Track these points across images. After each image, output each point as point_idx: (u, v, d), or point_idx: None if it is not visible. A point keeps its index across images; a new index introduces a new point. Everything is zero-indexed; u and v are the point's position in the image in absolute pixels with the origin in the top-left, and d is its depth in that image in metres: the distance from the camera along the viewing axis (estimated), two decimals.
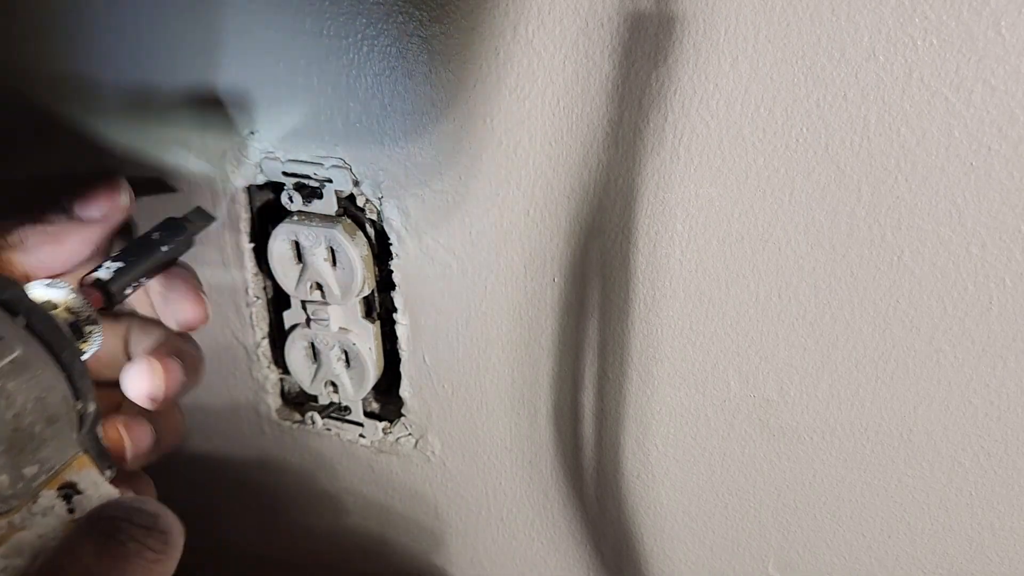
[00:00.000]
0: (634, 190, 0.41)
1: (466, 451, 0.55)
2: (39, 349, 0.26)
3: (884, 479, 0.45)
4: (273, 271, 0.50)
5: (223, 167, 0.49)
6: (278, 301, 0.54)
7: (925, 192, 0.37)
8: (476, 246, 0.46)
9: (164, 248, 0.39)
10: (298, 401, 0.58)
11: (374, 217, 0.48)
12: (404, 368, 0.53)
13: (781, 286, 0.41)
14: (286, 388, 0.58)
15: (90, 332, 0.31)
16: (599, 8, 0.37)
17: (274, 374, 0.57)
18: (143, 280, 0.37)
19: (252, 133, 0.47)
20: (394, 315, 0.51)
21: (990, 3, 0.32)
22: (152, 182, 0.52)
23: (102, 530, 0.21)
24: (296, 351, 0.53)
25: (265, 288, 0.54)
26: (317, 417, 0.55)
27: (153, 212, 0.52)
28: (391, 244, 0.48)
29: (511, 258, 0.46)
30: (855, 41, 0.35)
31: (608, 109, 0.39)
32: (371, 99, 0.44)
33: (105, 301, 0.34)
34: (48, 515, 0.25)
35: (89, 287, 0.33)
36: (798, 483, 0.47)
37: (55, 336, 0.27)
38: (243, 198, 0.50)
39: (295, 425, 0.58)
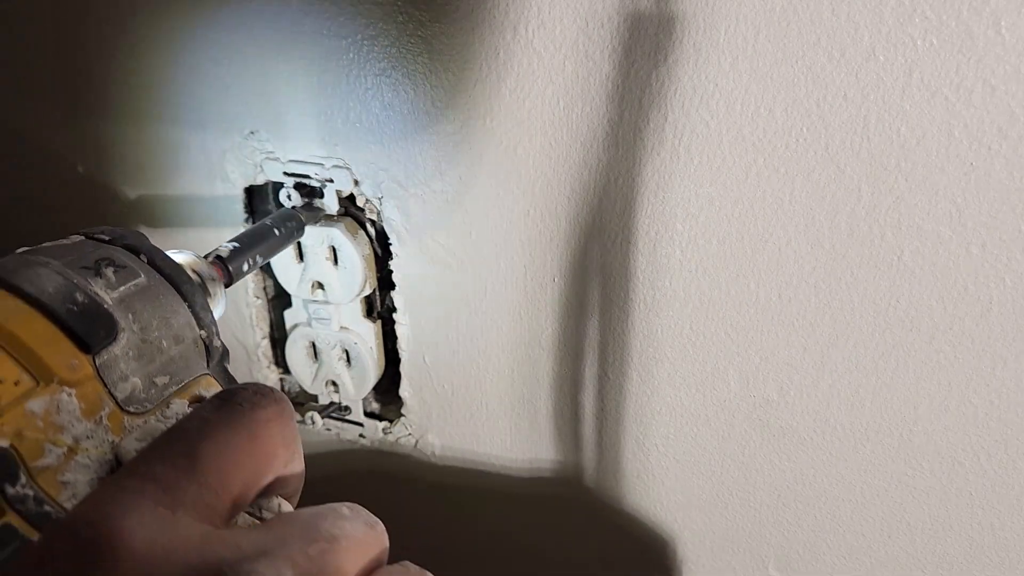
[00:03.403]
0: (634, 190, 0.41)
1: (466, 451, 0.55)
2: (162, 280, 0.29)
3: (884, 479, 0.45)
4: (274, 270, 0.50)
5: (223, 167, 0.49)
6: (278, 301, 0.54)
7: (925, 192, 0.37)
8: (476, 246, 0.46)
9: (277, 233, 0.42)
10: (298, 401, 0.58)
11: (374, 217, 0.48)
12: (404, 368, 0.53)
13: (781, 286, 0.41)
14: (286, 388, 0.58)
15: (214, 293, 0.34)
16: (599, 8, 0.37)
17: (274, 374, 0.57)
18: (259, 260, 0.40)
19: (252, 133, 0.47)
20: (394, 315, 0.51)
21: (990, 3, 0.32)
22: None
23: (218, 396, 0.23)
24: (297, 350, 0.53)
25: (265, 288, 0.54)
26: (317, 417, 0.55)
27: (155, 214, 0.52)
28: (391, 244, 0.48)
29: (511, 258, 0.46)
30: (855, 41, 0.35)
31: (608, 109, 0.39)
32: (371, 99, 0.44)
33: (225, 276, 0.36)
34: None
35: (213, 262, 0.36)
36: (798, 483, 0.47)
37: (176, 272, 0.29)
38: (243, 198, 0.50)
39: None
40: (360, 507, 0.23)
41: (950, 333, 0.39)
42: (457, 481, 0.56)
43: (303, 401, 0.58)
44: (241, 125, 0.47)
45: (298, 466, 0.25)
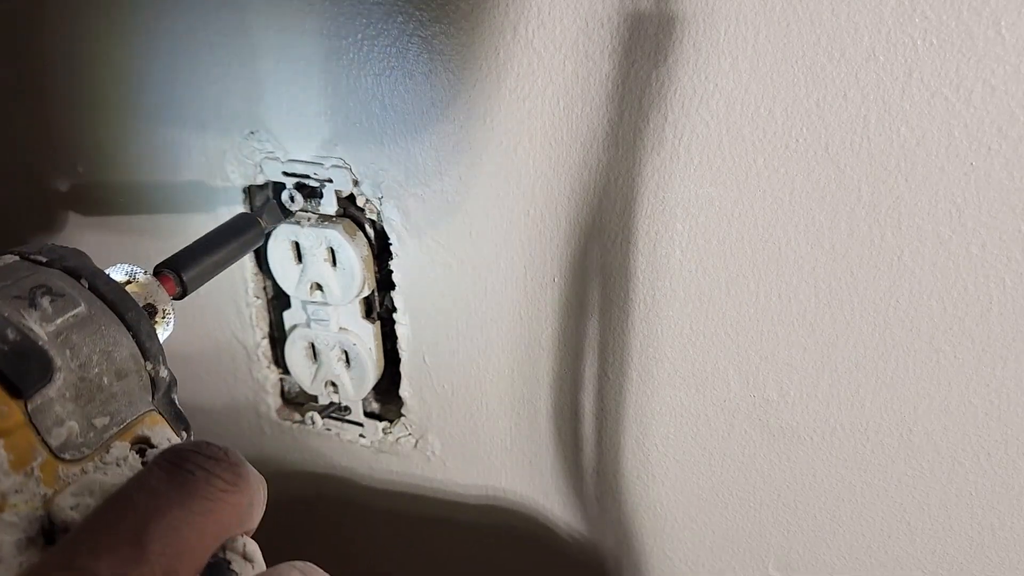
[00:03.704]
0: (634, 190, 0.41)
1: (466, 451, 0.55)
2: (104, 308, 0.26)
3: (884, 479, 0.45)
4: (273, 271, 0.50)
5: (223, 167, 0.49)
6: (278, 301, 0.54)
7: (925, 192, 0.37)
8: (476, 246, 0.46)
9: (237, 241, 0.39)
10: (298, 401, 0.58)
11: (374, 217, 0.48)
12: (404, 368, 0.53)
13: (781, 286, 0.41)
14: (286, 388, 0.58)
15: (163, 312, 0.32)
16: (599, 8, 0.37)
17: (274, 374, 0.57)
18: (215, 269, 0.37)
19: (252, 133, 0.47)
20: (394, 315, 0.51)
21: (990, 3, 0.32)
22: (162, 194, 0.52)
23: (170, 460, 0.21)
24: (296, 351, 0.53)
25: (265, 288, 0.54)
26: (317, 417, 0.56)
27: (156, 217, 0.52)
28: (391, 244, 0.48)
29: (511, 258, 0.46)
30: (855, 41, 0.35)
31: (608, 109, 0.39)
32: (371, 99, 0.44)
33: (178, 288, 0.34)
34: (122, 466, 0.25)
35: (163, 275, 0.34)
36: (798, 483, 0.47)
37: (120, 297, 0.27)
38: (242, 198, 0.50)
39: (295, 425, 0.58)
40: (312, 566, 0.22)
41: (950, 333, 0.40)
42: (457, 480, 0.56)
43: (303, 401, 0.58)
44: (241, 125, 0.47)
45: (255, 521, 0.23)
